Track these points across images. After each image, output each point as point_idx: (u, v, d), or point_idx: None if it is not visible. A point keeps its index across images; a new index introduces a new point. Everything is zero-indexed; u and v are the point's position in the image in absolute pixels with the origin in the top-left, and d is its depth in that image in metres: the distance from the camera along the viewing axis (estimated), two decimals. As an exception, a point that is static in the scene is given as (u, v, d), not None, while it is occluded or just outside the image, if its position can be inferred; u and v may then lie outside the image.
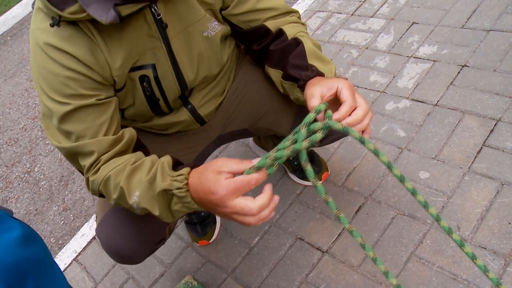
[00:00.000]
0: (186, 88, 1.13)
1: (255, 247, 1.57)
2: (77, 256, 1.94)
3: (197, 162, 1.19)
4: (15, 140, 3.12)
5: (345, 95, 0.85)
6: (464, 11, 1.99)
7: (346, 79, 0.92)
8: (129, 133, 1.04)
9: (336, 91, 0.86)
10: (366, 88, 1.88)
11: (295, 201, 1.64)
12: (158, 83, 1.08)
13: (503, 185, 1.39)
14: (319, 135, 0.79)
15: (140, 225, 1.19)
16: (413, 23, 2.06)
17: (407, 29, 2.04)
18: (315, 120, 0.82)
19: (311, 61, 1.02)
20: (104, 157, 0.97)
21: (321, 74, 0.99)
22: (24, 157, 2.90)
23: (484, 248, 1.28)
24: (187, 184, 0.88)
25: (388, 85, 1.85)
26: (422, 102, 1.73)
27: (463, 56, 1.81)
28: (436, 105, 1.69)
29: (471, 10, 1.97)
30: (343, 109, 0.83)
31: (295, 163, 1.68)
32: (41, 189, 2.56)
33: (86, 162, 0.99)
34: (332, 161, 1.70)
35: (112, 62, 0.99)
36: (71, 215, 2.27)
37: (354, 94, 0.86)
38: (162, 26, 1.00)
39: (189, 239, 1.71)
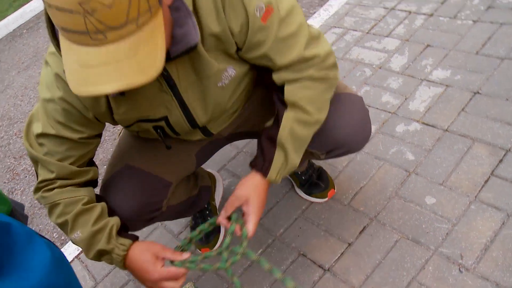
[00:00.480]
0: (198, 126, 1.18)
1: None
2: (79, 254, 1.95)
3: (201, 157, 1.37)
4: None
5: (250, 212, 1.10)
6: (479, 37, 2.00)
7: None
8: (93, 173, 1.16)
9: (244, 202, 1.10)
10: (377, 108, 1.89)
11: (300, 216, 1.65)
12: (170, 127, 1.14)
13: (509, 216, 1.39)
14: (238, 257, 1.10)
15: (140, 189, 1.25)
16: (428, 45, 2.07)
17: (422, 52, 2.05)
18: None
19: (280, 144, 1.11)
20: (60, 182, 1.08)
21: (260, 171, 1.13)
22: (32, 151, 2.93)
23: (487, 280, 1.28)
24: (125, 254, 1.07)
25: (399, 106, 1.86)
26: (432, 126, 1.74)
27: (476, 83, 1.81)
28: (446, 130, 1.70)
29: (487, 37, 1.98)
30: (251, 228, 1.10)
31: (303, 177, 1.69)
32: (47, 184, 2.58)
33: (43, 175, 1.09)
34: (340, 179, 1.70)
35: (115, 107, 1.05)
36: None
37: (257, 210, 1.10)
38: (170, 83, 1.03)
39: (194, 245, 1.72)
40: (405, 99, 1.88)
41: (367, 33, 2.27)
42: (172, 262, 1.08)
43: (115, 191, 1.24)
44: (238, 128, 1.37)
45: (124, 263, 1.09)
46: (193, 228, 1.74)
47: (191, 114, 1.11)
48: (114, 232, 1.08)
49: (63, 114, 1.02)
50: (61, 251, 0.63)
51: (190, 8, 0.93)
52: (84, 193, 1.11)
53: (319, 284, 1.45)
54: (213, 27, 0.97)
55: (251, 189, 1.11)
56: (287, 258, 1.55)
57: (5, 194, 2.67)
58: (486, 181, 1.51)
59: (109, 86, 0.75)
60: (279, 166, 1.12)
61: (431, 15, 2.22)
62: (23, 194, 2.58)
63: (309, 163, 1.69)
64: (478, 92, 1.78)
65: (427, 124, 1.75)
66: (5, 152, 3.02)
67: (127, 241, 1.09)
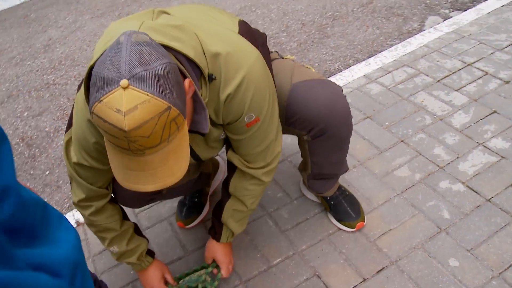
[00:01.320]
0: (200, 160, 1.43)
1: (274, 267, 1.65)
2: (77, 226, 2.04)
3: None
4: (83, 76, 3.26)
5: (220, 262, 1.58)
6: (548, 119, 1.99)
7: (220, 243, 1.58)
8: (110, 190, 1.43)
9: (214, 258, 1.59)
10: (427, 158, 1.91)
11: (325, 239, 1.70)
12: None
13: (526, 303, 1.41)
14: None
15: None
16: (495, 111, 2.07)
17: (487, 116, 2.06)
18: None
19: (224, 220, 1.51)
20: (95, 205, 1.37)
21: (215, 238, 1.56)
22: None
23: None
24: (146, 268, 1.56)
25: (449, 163, 1.88)
26: (476, 192, 1.75)
27: (532, 163, 1.82)
28: (489, 200, 1.72)
29: (555, 121, 1.97)
30: (224, 272, 1.58)
31: (332, 202, 1.74)
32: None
33: (77, 195, 1.36)
34: (372, 215, 1.75)
35: None
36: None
37: (224, 259, 1.58)
38: None
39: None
40: (457, 157, 1.90)
41: (438, 81, 2.28)
42: (167, 284, 1.59)
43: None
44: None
45: (139, 274, 1.59)
46: (181, 202, 1.91)
47: (196, 155, 1.37)
48: (143, 253, 1.54)
49: (95, 152, 1.22)
50: (79, 236, 0.74)
51: (207, 100, 1.14)
52: (116, 218, 1.44)
53: (325, 308, 1.51)
54: (212, 114, 1.21)
55: (214, 250, 1.58)
56: (302, 274, 1.61)
57: (52, 133, 2.80)
58: (513, 262, 1.52)
59: (148, 186, 0.99)
60: (226, 235, 1.54)
61: (507, 82, 2.21)
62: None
63: (339, 189, 1.74)
64: (530, 173, 1.78)
65: (471, 189, 1.77)
66: (61, 91, 3.15)
67: (150, 259, 1.56)
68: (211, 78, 1.12)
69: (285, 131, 1.46)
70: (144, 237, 1.56)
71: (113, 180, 1.40)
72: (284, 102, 1.39)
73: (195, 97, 1.09)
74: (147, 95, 0.87)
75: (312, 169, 1.61)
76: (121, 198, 1.46)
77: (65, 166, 2.46)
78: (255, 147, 1.32)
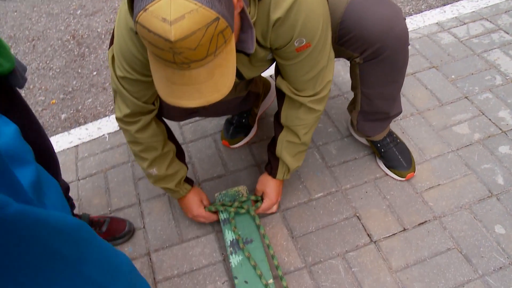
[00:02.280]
0: (244, 78, 1.38)
1: (315, 201, 1.63)
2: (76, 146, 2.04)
3: None
4: None
5: (267, 196, 1.55)
6: None
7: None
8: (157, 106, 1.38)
9: (264, 192, 1.56)
10: (490, 120, 1.81)
11: (371, 182, 1.66)
12: None
13: None
14: (243, 210, 1.56)
15: None
16: None
17: (562, 86, 1.92)
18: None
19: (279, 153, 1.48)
20: (143, 120, 1.32)
21: (270, 174, 1.54)
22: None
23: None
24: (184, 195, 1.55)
25: (513, 128, 1.78)
26: (537, 162, 1.67)
27: None
28: (548, 173, 1.63)
29: None
30: (262, 206, 1.56)
31: (382, 150, 1.68)
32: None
33: (122, 110, 1.31)
34: (423, 166, 1.69)
35: None
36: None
37: (272, 195, 1.54)
38: None
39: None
40: (523, 124, 1.79)
41: (517, 45, 2.12)
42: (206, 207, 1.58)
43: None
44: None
45: (178, 200, 1.59)
46: (228, 120, 1.88)
47: (241, 74, 1.33)
48: (182, 180, 1.52)
49: (139, 65, 1.17)
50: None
51: (255, 18, 1.09)
52: (159, 138, 1.40)
53: (361, 250, 1.50)
54: (259, 36, 1.17)
55: (266, 183, 1.55)
56: (342, 212, 1.59)
57: (103, 34, 2.77)
58: None
59: (192, 102, 0.96)
60: (283, 171, 1.51)
61: None
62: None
63: (390, 135, 1.68)
64: None
65: (532, 158, 1.68)
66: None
67: (188, 187, 1.55)
68: None
69: (337, 52, 1.37)
70: (185, 163, 1.54)
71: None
72: (338, 18, 1.31)
73: (242, 14, 1.03)
74: (195, 4, 0.82)
75: (362, 103, 1.53)
76: (163, 109, 1.42)
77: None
78: (304, 74, 1.27)
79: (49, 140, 1.42)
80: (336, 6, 1.30)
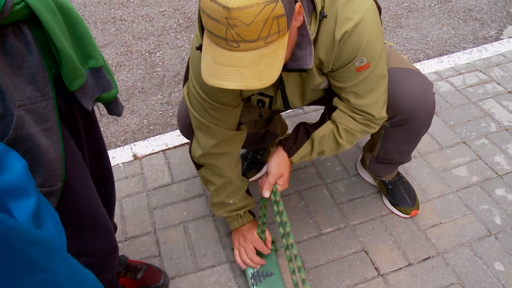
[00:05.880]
0: (290, 108, 1.45)
1: (325, 235, 1.72)
2: (166, 150, 2.14)
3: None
4: (151, 18, 3.31)
5: (283, 181, 1.42)
6: None
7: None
8: (244, 130, 1.46)
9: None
10: (486, 164, 1.94)
11: (377, 219, 1.76)
12: (270, 104, 1.43)
13: None
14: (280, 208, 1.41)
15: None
16: (560, 133, 2.08)
17: (552, 135, 2.07)
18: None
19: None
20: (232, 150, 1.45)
21: (286, 150, 1.41)
22: (151, 38, 3.10)
23: None
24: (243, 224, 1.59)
25: (508, 173, 1.90)
26: (531, 206, 1.79)
27: None
28: (542, 216, 1.75)
29: None
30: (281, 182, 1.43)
31: (390, 187, 1.79)
32: (154, 73, 2.76)
33: (205, 144, 1.39)
34: (425, 205, 1.80)
35: (244, 90, 1.34)
36: (171, 111, 2.46)
37: (287, 179, 1.43)
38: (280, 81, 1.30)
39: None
40: (517, 169, 1.92)
41: (510, 92, 2.28)
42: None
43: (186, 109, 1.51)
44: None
45: (234, 229, 1.62)
46: (243, 155, 1.98)
47: (288, 102, 1.39)
48: (247, 211, 1.60)
49: (216, 93, 1.28)
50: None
51: (314, 36, 1.13)
52: (238, 171, 1.53)
53: (369, 282, 1.57)
54: (322, 56, 1.19)
55: (283, 167, 1.41)
56: (350, 247, 1.68)
57: (114, 66, 2.87)
58: (558, 278, 1.56)
59: (232, 84, 0.96)
60: (303, 154, 1.40)
61: None
62: (129, 72, 2.77)
63: (398, 175, 1.79)
64: None
65: (527, 201, 1.80)
66: (127, 27, 3.21)
67: (250, 218, 1.60)
68: (322, 15, 1.12)
69: None
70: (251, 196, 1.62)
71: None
72: None
73: (302, 30, 1.08)
74: None
75: (379, 152, 1.65)
76: (182, 127, 1.54)
77: (120, 98, 2.54)
78: (360, 97, 1.29)
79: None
80: None
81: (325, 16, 1.13)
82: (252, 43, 0.93)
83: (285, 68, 1.16)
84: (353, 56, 1.18)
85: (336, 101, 1.36)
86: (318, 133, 1.36)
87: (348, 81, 1.25)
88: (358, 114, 1.32)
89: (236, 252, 1.59)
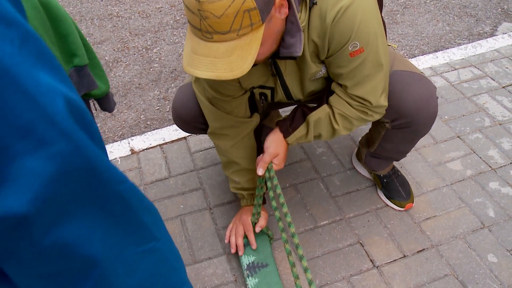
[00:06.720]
0: (293, 99, 1.47)
1: (320, 228, 1.74)
2: (163, 144, 2.15)
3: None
4: (148, 15, 3.32)
5: (279, 160, 1.45)
6: None
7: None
8: (255, 119, 1.55)
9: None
10: (480, 158, 1.96)
11: (372, 212, 1.78)
12: (272, 96, 1.46)
13: (557, 308, 1.48)
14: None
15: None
16: (553, 127, 2.10)
17: (545, 130, 2.09)
18: None
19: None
20: (232, 134, 1.51)
21: (282, 131, 1.43)
22: (148, 34, 3.11)
23: None
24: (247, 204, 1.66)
25: (502, 167, 1.93)
26: (524, 198, 1.81)
27: None
28: (535, 208, 1.77)
29: None
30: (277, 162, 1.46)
31: (384, 180, 1.81)
32: (151, 69, 2.77)
33: (214, 124, 1.49)
34: (420, 198, 1.82)
35: (242, 81, 1.38)
36: (168, 107, 2.47)
37: (284, 159, 1.46)
38: (278, 71, 1.34)
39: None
40: (510, 163, 1.94)
41: (503, 87, 2.31)
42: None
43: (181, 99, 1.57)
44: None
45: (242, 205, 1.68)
46: None
47: (289, 93, 1.41)
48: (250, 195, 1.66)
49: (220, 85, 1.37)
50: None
51: (304, 23, 1.15)
52: (243, 154, 1.57)
53: (364, 274, 1.59)
54: (315, 38, 1.20)
55: (279, 147, 1.43)
56: (346, 239, 1.70)
57: (111, 62, 2.88)
58: (550, 269, 1.59)
59: (204, 73, 1.02)
60: (299, 135, 1.42)
61: None
62: (126, 68, 2.78)
63: (393, 169, 1.81)
64: None
65: (520, 195, 1.82)
66: (124, 24, 3.21)
67: (252, 203, 1.62)
68: (312, 2, 1.14)
69: None
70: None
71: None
72: None
73: (292, 18, 1.11)
74: None
75: (376, 149, 1.67)
76: (177, 117, 1.59)
77: (117, 93, 2.55)
78: (359, 84, 1.28)
79: None
80: None
81: (315, 3, 1.14)
82: (224, 35, 0.98)
83: (278, 56, 1.20)
84: (345, 39, 1.17)
85: (334, 85, 1.35)
86: (313, 116, 1.37)
87: (343, 67, 1.24)
88: (355, 100, 1.32)
89: (229, 226, 1.67)
